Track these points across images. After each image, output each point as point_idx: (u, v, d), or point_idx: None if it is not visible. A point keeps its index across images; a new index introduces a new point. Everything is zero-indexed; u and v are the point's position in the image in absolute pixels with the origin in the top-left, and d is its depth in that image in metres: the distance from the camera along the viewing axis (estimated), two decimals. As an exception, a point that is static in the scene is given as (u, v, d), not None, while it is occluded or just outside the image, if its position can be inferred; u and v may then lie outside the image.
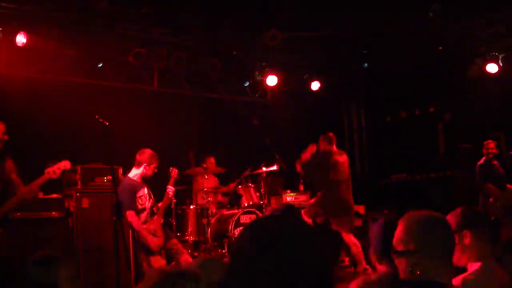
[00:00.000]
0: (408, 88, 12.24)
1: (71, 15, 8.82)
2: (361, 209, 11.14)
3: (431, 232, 2.72)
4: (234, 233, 9.50)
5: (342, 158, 9.57)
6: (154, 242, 7.30)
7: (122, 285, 7.43)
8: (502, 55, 10.71)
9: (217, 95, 11.81)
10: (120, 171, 8.54)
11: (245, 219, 9.70)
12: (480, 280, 3.11)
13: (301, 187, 11.50)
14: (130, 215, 7.26)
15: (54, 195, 8.12)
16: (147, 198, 7.54)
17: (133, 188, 7.39)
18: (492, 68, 10.78)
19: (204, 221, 9.72)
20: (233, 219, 9.61)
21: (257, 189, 10.31)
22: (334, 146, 9.64)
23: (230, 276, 1.87)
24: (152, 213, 7.52)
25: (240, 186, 10.44)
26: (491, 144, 10.42)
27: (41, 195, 7.93)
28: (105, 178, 8.49)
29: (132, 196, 7.31)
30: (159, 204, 7.73)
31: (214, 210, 10.17)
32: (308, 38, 10.46)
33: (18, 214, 7.39)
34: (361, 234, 10.40)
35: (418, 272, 2.64)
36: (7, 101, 8.52)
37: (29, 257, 5.05)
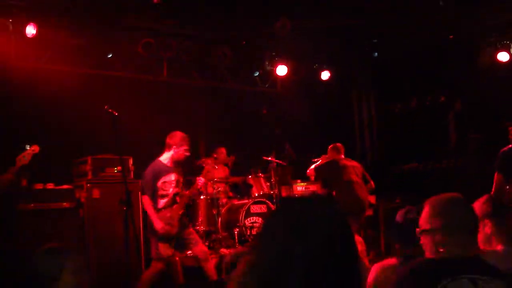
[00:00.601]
0: (419, 78, 12.17)
1: (80, 6, 8.83)
2: (372, 198, 11.11)
3: (454, 211, 2.87)
4: (244, 223, 9.50)
5: (351, 163, 9.75)
6: (159, 223, 7.21)
7: (133, 274, 7.48)
8: (514, 44, 10.65)
9: (227, 85, 11.80)
10: (130, 161, 8.56)
11: (256, 209, 9.70)
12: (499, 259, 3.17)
13: (312, 177, 11.49)
14: (145, 200, 7.21)
15: (65, 186, 8.15)
16: (172, 185, 7.42)
17: (157, 173, 7.27)
18: (503, 56, 10.70)
19: (215, 211, 9.73)
20: (244, 209, 9.61)
21: (268, 179, 10.31)
22: (342, 155, 9.85)
23: (261, 260, 1.85)
24: (173, 201, 7.42)
25: (250, 176, 10.44)
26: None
27: (52, 185, 7.97)
28: (116, 168, 8.50)
29: (151, 181, 7.22)
30: (186, 192, 7.62)
31: (224, 200, 10.18)
32: (318, 27, 10.42)
33: (32, 205, 7.45)
34: (373, 224, 10.40)
35: (441, 250, 2.78)
36: (17, 92, 8.56)
37: (38, 248, 5.08)
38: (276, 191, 10.16)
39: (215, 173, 9.99)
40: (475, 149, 11.37)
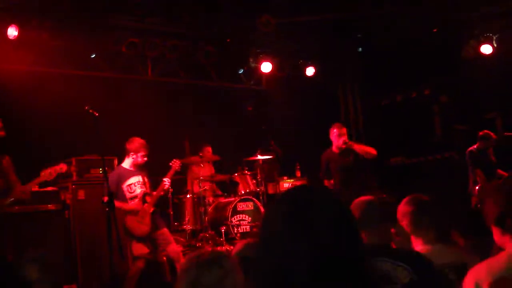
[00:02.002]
0: (403, 71, 12.19)
1: (63, 7, 8.79)
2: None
3: (364, 208, 3.57)
4: (231, 221, 9.52)
5: None
6: (138, 228, 7.37)
7: (119, 274, 7.50)
8: (496, 36, 10.68)
9: (212, 83, 11.78)
10: (115, 161, 8.56)
11: (242, 206, 9.73)
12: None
13: (298, 173, 11.51)
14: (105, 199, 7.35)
15: (50, 188, 8.12)
16: (138, 186, 7.59)
17: (118, 178, 7.48)
18: (486, 49, 10.74)
19: (201, 209, 9.74)
20: (230, 207, 9.63)
21: (254, 176, 10.32)
22: None
23: (264, 250, 1.84)
24: (144, 201, 7.55)
25: (236, 174, 10.45)
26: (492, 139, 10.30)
27: (36, 188, 7.94)
28: (100, 169, 8.50)
29: (114, 184, 7.35)
30: (154, 193, 7.76)
31: (211, 199, 10.19)
32: (301, 23, 10.41)
33: (16, 208, 7.41)
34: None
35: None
36: (0, 94, 8.52)
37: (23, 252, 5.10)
38: (263, 188, 10.17)
39: (200, 171, 9.99)
40: (461, 141, 11.41)
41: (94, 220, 8.21)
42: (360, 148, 8.94)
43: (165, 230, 7.79)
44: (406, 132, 12.40)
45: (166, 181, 7.86)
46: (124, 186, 7.50)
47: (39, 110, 9.09)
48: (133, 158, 7.60)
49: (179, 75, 11.30)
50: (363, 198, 3.64)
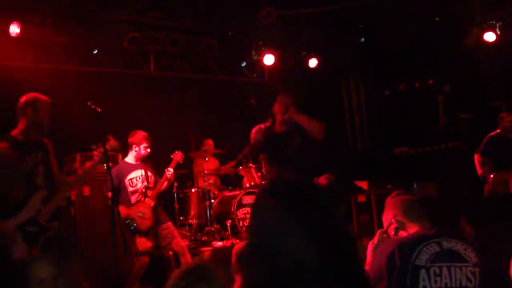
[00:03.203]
0: (406, 61, 12.16)
1: (64, 3, 8.78)
2: (364, 184, 11.13)
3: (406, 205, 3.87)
4: (236, 214, 9.51)
5: None
6: (141, 223, 7.36)
7: (124, 270, 7.50)
8: (499, 24, 10.63)
9: (214, 76, 11.77)
10: (120, 157, 8.55)
11: (247, 200, 9.69)
12: None
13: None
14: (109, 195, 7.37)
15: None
16: (140, 180, 7.60)
17: (120, 172, 7.48)
18: (489, 37, 10.69)
19: (207, 203, 9.72)
20: (235, 200, 9.61)
21: (258, 169, 10.30)
22: None
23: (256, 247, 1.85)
24: (145, 196, 7.55)
25: (241, 167, 10.43)
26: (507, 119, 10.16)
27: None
28: (105, 165, 8.48)
29: (115, 179, 7.35)
30: (157, 186, 7.74)
31: (216, 192, 10.18)
32: (303, 14, 10.38)
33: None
34: (365, 209, 10.41)
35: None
36: (3, 91, 8.50)
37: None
38: (268, 181, 10.15)
39: (205, 165, 9.98)
40: (466, 130, 11.39)
41: (99, 215, 8.20)
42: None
43: (169, 224, 7.78)
44: (410, 122, 12.37)
45: (169, 171, 7.87)
46: (126, 180, 7.51)
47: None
48: (136, 151, 7.62)
49: (181, 69, 11.28)
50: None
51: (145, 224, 7.41)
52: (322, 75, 12.58)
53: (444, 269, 3.28)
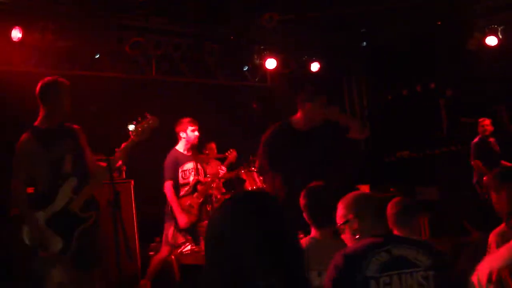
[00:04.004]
0: (408, 65, 12.17)
1: (66, 8, 8.79)
2: (366, 188, 11.12)
3: (360, 203, 3.66)
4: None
5: None
6: (184, 218, 7.27)
7: (127, 276, 7.48)
8: (501, 28, 10.62)
9: (216, 81, 11.77)
10: (120, 161, 8.53)
11: (249, 203, 9.66)
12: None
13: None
14: (166, 186, 7.29)
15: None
16: (192, 173, 7.49)
17: (176, 160, 7.37)
18: (491, 41, 10.69)
19: (209, 207, 9.71)
20: (238, 204, 9.58)
21: (261, 173, 10.28)
22: None
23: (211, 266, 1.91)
24: (194, 190, 7.48)
25: (243, 171, 10.41)
26: (486, 121, 10.49)
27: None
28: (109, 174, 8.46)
29: (173, 167, 7.29)
30: (206, 180, 7.71)
31: (219, 196, 10.15)
32: (305, 19, 10.39)
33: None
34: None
35: (357, 236, 3.56)
36: (5, 97, 8.52)
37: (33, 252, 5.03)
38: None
39: (207, 169, 9.97)
40: (468, 134, 11.40)
41: (101, 220, 8.18)
42: None
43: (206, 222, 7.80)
44: (412, 126, 12.38)
45: (222, 169, 7.84)
46: (180, 171, 7.41)
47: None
48: (184, 138, 7.47)
49: (183, 74, 11.28)
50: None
51: (188, 219, 7.31)
52: (324, 79, 12.58)
53: (395, 278, 3.24)
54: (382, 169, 12.74)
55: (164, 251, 7.41)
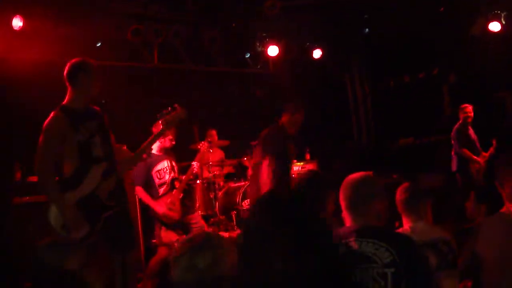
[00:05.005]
0: (411, 52, 12.12)
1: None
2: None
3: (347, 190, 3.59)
4: (242, 205, 9.51)
5: None
6: (160, 206, 7.32)
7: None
8: (504, 13, 10.56)
9: (218, 68, 11.74)
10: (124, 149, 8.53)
11: (252, 191, 9.68)
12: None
13: (308, 156, 11.48)
14: (138, 190, 7.32)
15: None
16: (167, 171, 7.51)
17: (147, 164, 7.35)
18: (495, 26, 10.63)
19: (212, 195, 9.73)
20: (240, 191, 9.61)
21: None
22: None
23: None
24: (172, 187, 7.50)
25: (245, 158, 10.43)
26: (469, 108, 10.51)
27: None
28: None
29: (144, 172, 7.30)
30: (182, 177, 7.73)
31: (221, 183, 10.17)
32: (307, 5, 10.35)
33: (27, 198, 7.41)
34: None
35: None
36: (7, 86, 8.51)
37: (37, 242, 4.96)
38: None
39: (210, 156, 9.98)
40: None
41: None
42: None
43: (197, 214, 7.83)
44: (415, 113, 12.34)
45: (195, 164, 7.85)
46: (154, 172, 7.41)
47: (46, 100, 9.05)
48: (160, 142, 7.47)
49: (185, 61, 11.26)
50: (351, 176, 3.62)
51: (174, 216, 7.36)
52: (327, 66, 12.55)
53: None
54: (385, 156, 12.72)
55: (161, 252, 7.41)
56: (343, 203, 3.53)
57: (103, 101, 5.50)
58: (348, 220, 3.50)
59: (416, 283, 3.15)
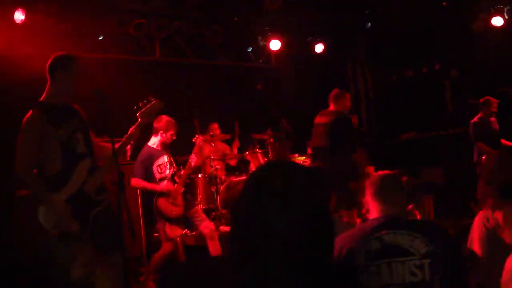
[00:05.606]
0: (413, 46, 12.11)
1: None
2: (371, 170, 11.11)
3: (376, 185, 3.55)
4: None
5: (321, 119, 9.02)
6: (172, 210, 7.33)
7: (132, 257, 7.51)
8: (507, 8, 10.55)
9: (220, 62, 11.75)
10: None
11: (254, 184, 9.69)
12: None
13: (309, 151, 11.47)
14: (134, 181, 7.32)
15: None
16: (168, 166, 7.51)
17: (149, 157, 7.37)
18: (497, 21, 10.62)
19: (213, 189, 9.73)
20: (242, 185, 9.60)
21: (265, 154, 10.29)
22: (331, 105, 9.10)
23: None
24: (173, 182, 7.51)
25: (247, 152, 10.43)
26: (495, 104, 10.39)
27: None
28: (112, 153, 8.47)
29: (145, 165, 7.31)
30: (181, 172, 7.74)
31: (223, 177, 10.17)
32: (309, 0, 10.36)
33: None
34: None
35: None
36: (9, 79, 8.51)
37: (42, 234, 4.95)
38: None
39: (212, 150, 9.99)
40: (474, 115, 11.37)
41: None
42: None
43: (198, 207, 7.84)
44: (417, 108, 12.34)
45: (193, 157, 7.85)
46: (154, 166, 7.42)
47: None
48: (161, 137, 7.47)
49: (187, 55, 11.26)
50: (381, 172, 3.63)
51: (177, 211, 7.38)
52: (329, 60, 12.55)
53: (384, 267, 3.10)
54: (387, 151, 12.73)
55: (166, 247, 7.42)
56: (370, 192, 3.48)
57: (97, 92, 5.37)
58: (374, 211, 3.44)
59: (453, 271, 3.12)
